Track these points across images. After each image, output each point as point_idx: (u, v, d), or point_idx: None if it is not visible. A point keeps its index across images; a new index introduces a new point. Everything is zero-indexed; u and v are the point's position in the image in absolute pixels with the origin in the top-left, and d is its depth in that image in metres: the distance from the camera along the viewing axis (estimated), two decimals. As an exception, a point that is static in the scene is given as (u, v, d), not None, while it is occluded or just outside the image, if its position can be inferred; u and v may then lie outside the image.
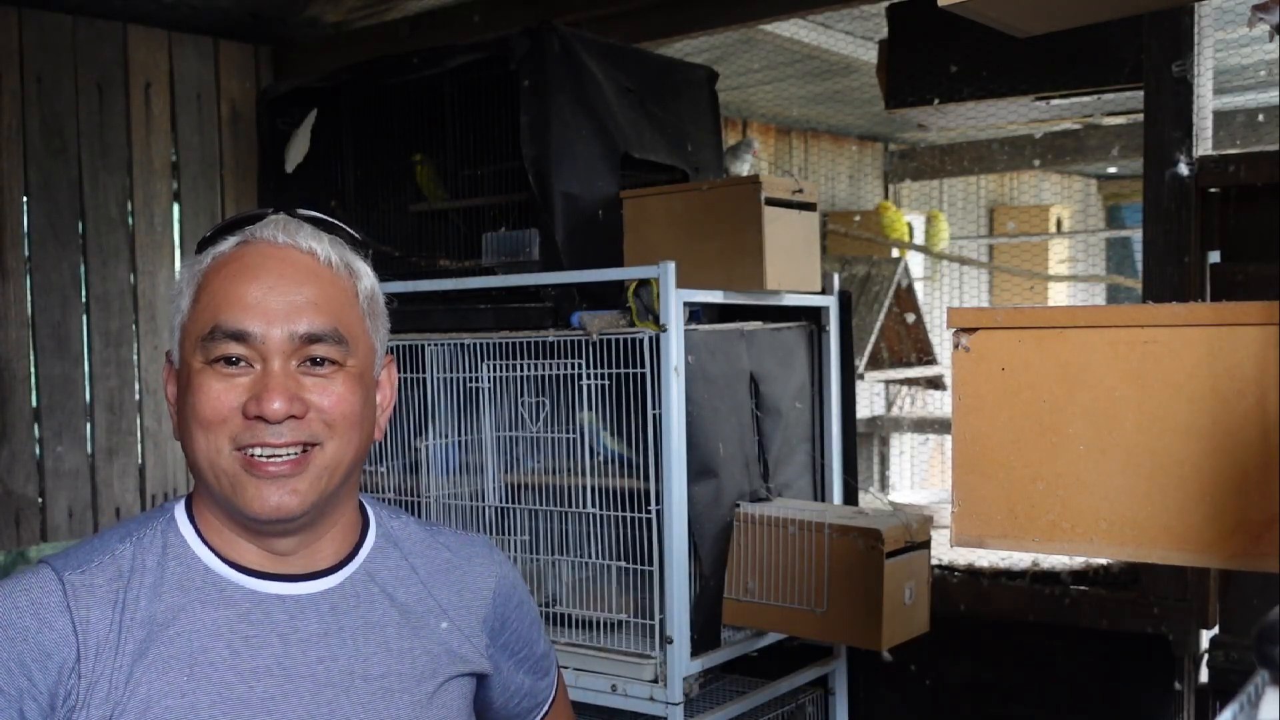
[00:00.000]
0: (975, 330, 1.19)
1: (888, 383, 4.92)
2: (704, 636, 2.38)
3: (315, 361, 1.13)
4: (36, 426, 3.34)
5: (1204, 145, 2.46)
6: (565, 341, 2.42)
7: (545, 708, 1.42)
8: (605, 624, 2.42)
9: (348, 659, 1.17)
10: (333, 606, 1.18)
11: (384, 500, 1.37)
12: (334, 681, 1.15)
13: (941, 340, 4.40)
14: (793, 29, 3.57)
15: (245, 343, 1.11)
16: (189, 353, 1.14)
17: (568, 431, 2.48)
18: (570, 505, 2.48)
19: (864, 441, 4.83)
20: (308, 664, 1.14)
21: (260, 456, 1.11)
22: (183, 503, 1.20)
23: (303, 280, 1.14)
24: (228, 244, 1.16)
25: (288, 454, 1.11)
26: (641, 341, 2.31)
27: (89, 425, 3.43)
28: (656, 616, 2.33)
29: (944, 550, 2.89)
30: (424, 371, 2.64)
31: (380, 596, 1.22)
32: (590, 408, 2.43)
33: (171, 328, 1.19)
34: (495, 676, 1.31)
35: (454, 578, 1.29)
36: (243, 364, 1.11)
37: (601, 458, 2.49)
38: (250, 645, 1.12)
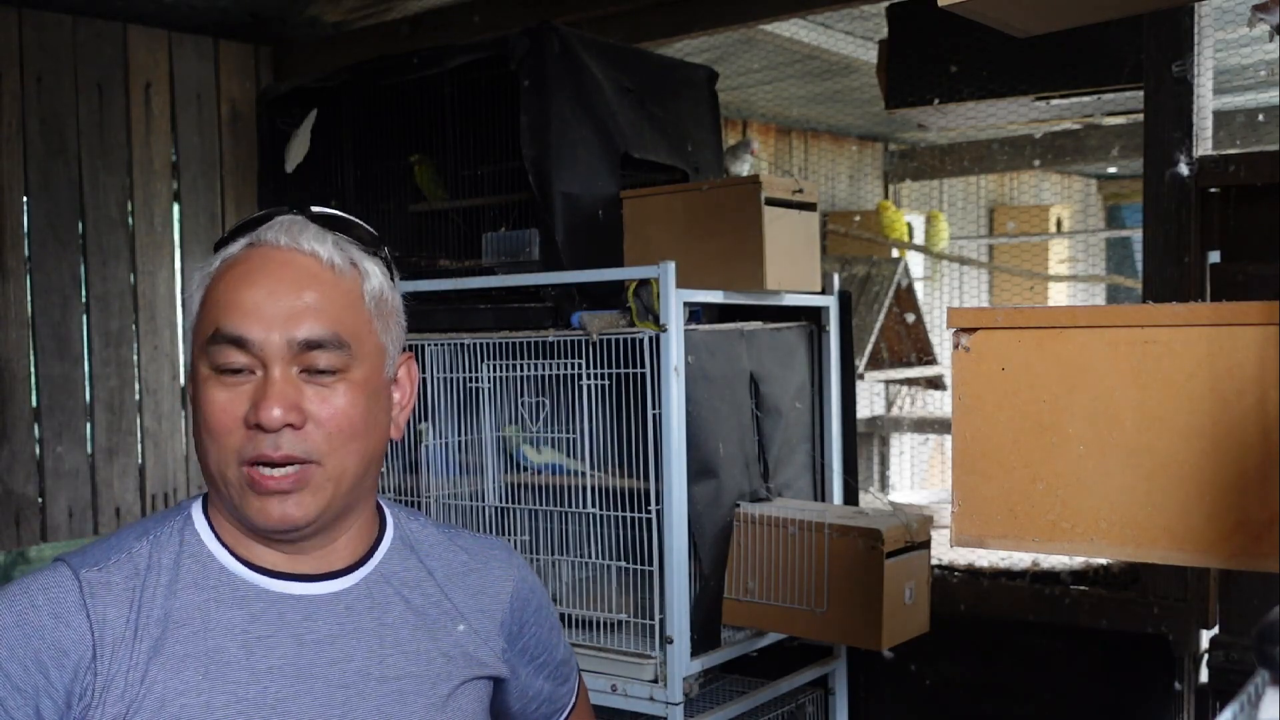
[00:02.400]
0: (975, 330, 1.19)
1: (888, 383, 4.92)
2: (704, 636, 2.38)
3: (318, 369, 1.13)
4: (36, 426, 3.34)
5: (1204, 145, 2.46)
6: (565, 341, 2.42)
7: (565, 714, 1.41)
8: (605, 624, 2.42)
9: (362, 660, 1.16)
10: (347, 607, 1.18)
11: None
12: (348, 683, 1.15)
13: (941, 340, 4.40)
14: (793, 29, 3.57)
15: (245, 349, 1.10)
16: (197, 357, 1.14)
17: (568, 431, 2.48)
18: (570, 505, 2.48)
19: (864, 441, 4.83)
20: (321, 665, 1.14)
21: (262, 472, 1.11)
22: (200, 501, 1.20)
23: (303, 285, 1.13)
24: (237, 246, 1.16)
25: (285, 471, 1.11)
26: (641, 341, 2.31)
27: (89, 425, 3.43)
28: (656, 616, 2.33)
29: (944, 550, 2.89)
30: (424, 371, 2.64)
31: (395, 598, 1.21)
32: (513, 421, 2.48)
33: (184, 332, 1.19)
34: (513, 681, 1.31)
35: (471, 581, 1.28)
36: (244, 372, 1.11)
37: (529, 469, 2.52)
38: (264, 645, 1.12)
